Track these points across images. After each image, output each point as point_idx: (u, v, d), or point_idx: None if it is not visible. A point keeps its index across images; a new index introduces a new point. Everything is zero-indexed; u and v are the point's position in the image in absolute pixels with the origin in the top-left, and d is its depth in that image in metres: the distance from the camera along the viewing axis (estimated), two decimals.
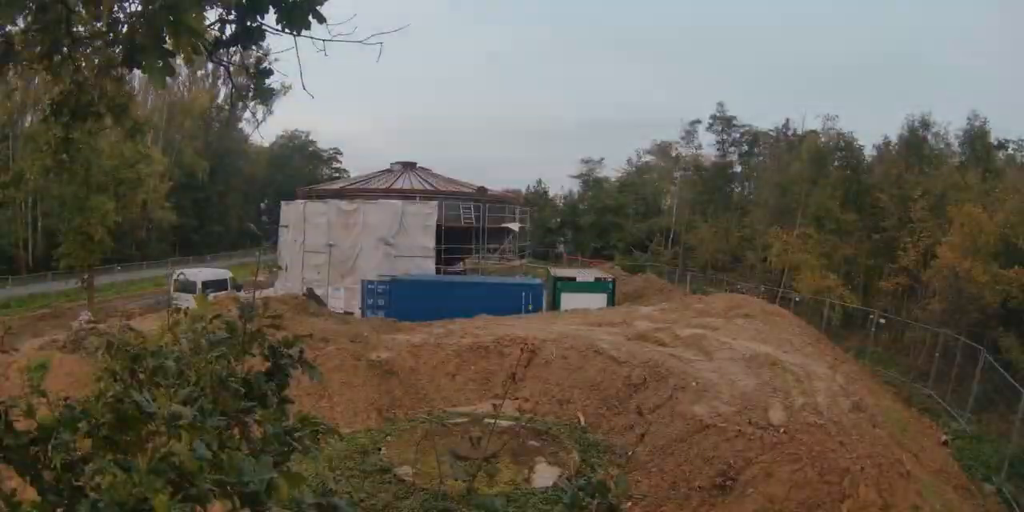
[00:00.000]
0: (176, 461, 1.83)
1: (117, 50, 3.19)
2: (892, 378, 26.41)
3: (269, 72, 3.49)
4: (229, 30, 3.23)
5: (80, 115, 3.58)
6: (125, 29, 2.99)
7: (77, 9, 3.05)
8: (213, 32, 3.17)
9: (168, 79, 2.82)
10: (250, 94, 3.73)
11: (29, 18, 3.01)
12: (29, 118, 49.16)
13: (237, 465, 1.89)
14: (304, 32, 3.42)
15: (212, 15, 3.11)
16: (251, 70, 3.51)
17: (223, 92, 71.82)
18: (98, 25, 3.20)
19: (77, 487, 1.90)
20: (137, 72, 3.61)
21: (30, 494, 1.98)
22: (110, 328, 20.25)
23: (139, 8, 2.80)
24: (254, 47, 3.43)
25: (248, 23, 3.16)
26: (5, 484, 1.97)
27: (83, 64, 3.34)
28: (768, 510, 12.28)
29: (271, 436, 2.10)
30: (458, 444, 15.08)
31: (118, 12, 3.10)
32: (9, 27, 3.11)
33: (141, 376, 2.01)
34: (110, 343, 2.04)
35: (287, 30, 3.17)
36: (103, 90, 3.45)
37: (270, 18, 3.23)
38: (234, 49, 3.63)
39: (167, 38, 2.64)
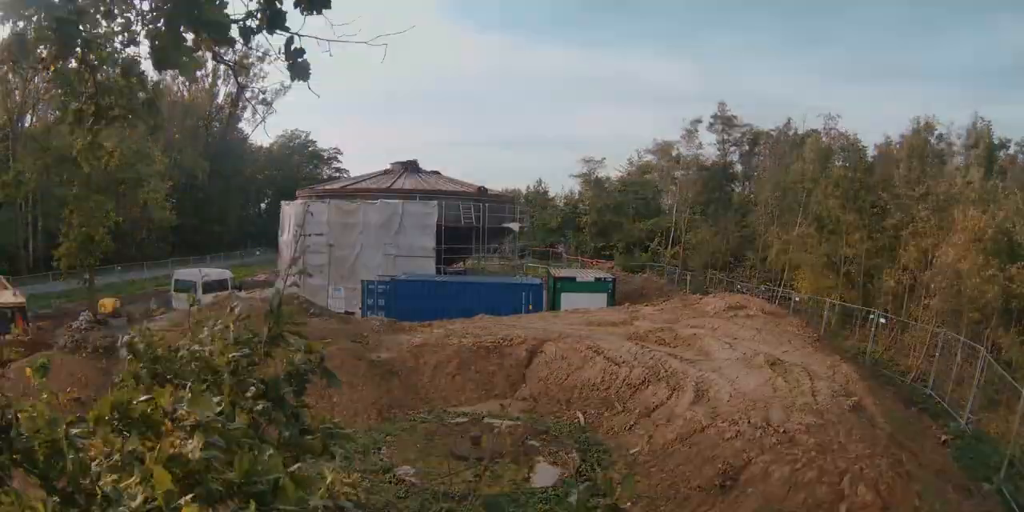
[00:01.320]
0: (184, 460, 1.84)
1: (136, 51, 3.19)
2: (892, 378, 26.39)
3: (301, 51, 3.47)
4: (254, 22, 3.25)
5: (106, 118, 3.56)
6: (140, 29, 3.00)
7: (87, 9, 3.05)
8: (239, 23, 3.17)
9: (169, 78, 2.84)
10: (258, 89, 3.72)
11: (37, 17, 3.00)
12: (29, 118, 49.14)
13: (247, 466, 1.89)
14: (308, 32, 3.43)
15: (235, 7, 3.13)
16: (281, 51, 3.49)
17: (223, 92, 71.90)
18: (111, 25, 3.20)
19: (88, 489, 1.91)
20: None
21: (39, 495, 1.98)
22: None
23: (151, 5, 2.80)
24: (255, 46, 3.43)
25: (270, 8, 3.18)
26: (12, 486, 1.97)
27: (98, 65, 3.33)
28: (767, 510, 12.27)
29: (285, 438, 2.11)
30: (459, 444, 15.09)
31: (128, 10, 3.10)
32: (19, 26, 3.10)
33: (168, 377, 2.01)
34: (132, 344, 2.04)
35: (305, 12, 3.20)
36: (125, 90, 3.43)
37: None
38: (237, 48, 3.63)
39: (188, 35, 2.65)
